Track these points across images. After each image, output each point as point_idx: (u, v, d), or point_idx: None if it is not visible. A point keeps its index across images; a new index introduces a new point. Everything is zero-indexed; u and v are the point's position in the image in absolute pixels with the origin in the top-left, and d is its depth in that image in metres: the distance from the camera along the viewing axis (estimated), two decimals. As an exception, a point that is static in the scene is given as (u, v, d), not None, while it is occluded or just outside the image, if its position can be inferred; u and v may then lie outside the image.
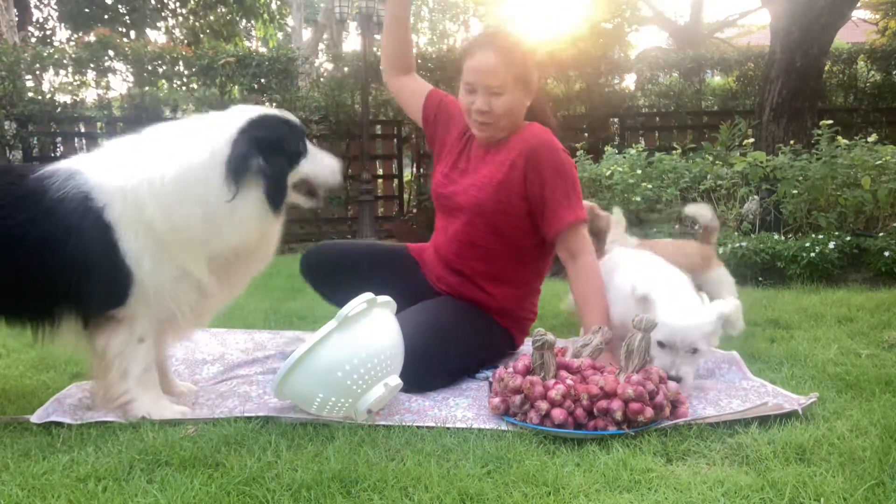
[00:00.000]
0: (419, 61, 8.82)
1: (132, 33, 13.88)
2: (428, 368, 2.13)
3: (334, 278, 2.44)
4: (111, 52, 7.82)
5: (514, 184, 2.21)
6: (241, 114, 1.92)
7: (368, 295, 1.93)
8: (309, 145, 2.00)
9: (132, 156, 1.90)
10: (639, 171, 5.57)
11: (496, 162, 2.25)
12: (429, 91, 2.50)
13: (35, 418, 1.91)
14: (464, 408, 1.99)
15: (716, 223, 2.92)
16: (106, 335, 1.90)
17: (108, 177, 1.85)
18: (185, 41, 14.12)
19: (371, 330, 1.90)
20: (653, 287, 2.07)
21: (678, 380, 1.96)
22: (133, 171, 1.85)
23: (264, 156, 1.85)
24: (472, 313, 2.32)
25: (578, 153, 6.34)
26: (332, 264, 2.48)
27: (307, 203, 2.05)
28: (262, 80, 8.03)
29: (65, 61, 7.71)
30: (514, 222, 2.25)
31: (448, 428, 1.82)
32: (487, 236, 2.27)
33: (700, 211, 2.92)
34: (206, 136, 1.87)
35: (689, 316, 2.01)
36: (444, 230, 2.38)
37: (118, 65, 7.95)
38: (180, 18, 15.43)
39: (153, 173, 1.83)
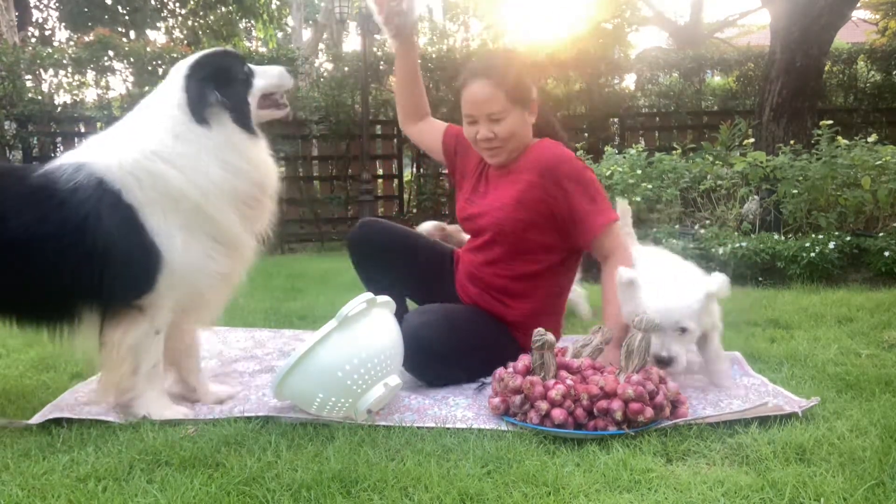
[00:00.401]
0: (419, 61, 8.84)
1: (132, 33, 13.88)
2: (437, 361, 2.15)
3: (381, 257, 2.45)
4: (111, 53, 7.82)
5: (532, 202, 2.21)
6: (181, 63, 2.01)
7: (368, 295, 1.93)
8: (254, 66, 2.09)
9: (126, 137, 1.93)
10: (639, 171, 5.57)
11: (512, 181, 2.28)
12: (445, 128, 2.56)
13: (35, 421, 1.90)
14: (464, 407, 1.99)
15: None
16: (124, 327, 1.88)
17: (116, 160, 1.86)
18: (185, 41, 14.12)
19: (371, 330, 1.90)
20: (638, 272, 2.08)
21: (669, 361, 1.97)
22: (136, 149, 1.87)
23: (218, 88, 1.94)
24: (490, 323, 2.32)
25: (578, 153, 6.34)
26: (383, 243, 2.46)
27: (279, 113, 2.14)
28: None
29: (64, 61, 7.71)
30: (535, 238, 2.26)
31: (448, 428, 1.82)
32: (509, 254, 2.28)
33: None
34: (165, 94, 1.96)
35: (672, 296, 2.00)
36: (470, 245, 2.44)
37: (118, 65, 7.95)
38: (180, 19, 15.43)
39: (154, 144, 1.87)
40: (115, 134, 1.96)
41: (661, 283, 2.05)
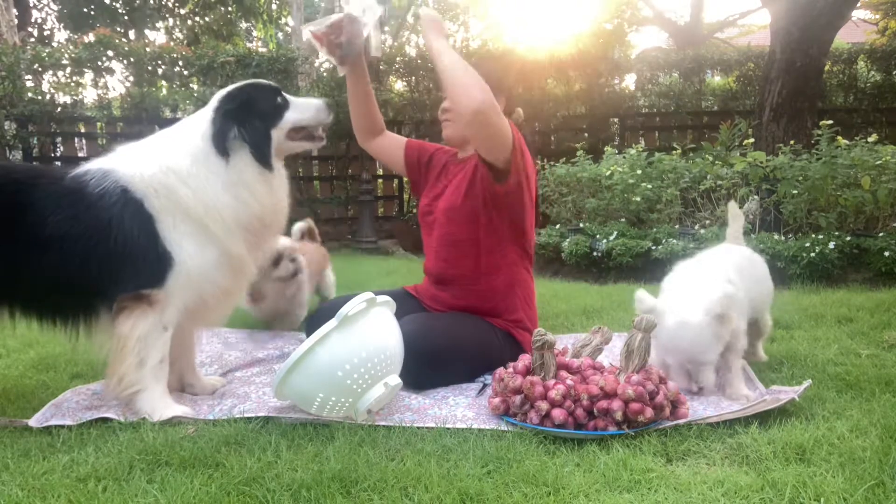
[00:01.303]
0: (419, 61, 8.83)
1: (131, 33, 13.88)
2: (432, 367, 2.16)
3: None
4: (110, 53, 7.81)
5: (479, 179, 2.33)
6: (218, 94, 2.13)
7: (368, 294, 1.93)
8: (290, 97, 2.17)
9: (151, 152, 2.05)
10: (639, 171, 5.56)
11: (464, 171, 2.42)
12: (405, 142, 2.70)
13: (34, 422, 1.91)
14: (464, 407, 1.99)
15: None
16: (133, 319, 1.95)
17: (138, 171, 1.98)
18: (185, 41, 14.12)
19: (371, 329, 1.90)
20: (662, 301, 2.06)
21: (699, 391, 2.03)
22: (156, 164, 1.99)
23: (239, 123, 2.03)
24: (471, 318, 2.37)
25: (578, 153, 6.34)
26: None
27: (312, 145, 2.23)
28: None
29: (64, 61, 7.70)
30: (488, 212, 2.34)
31: (448, 428, 1.82)
32: (467, 228, 2.36)
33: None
34: (197, 122, 2.08)
35: (685, 339, 1.95)
36: (430, 247, 2.52)
37: (117, 65, 7.95)
38: (179, 18, 15.42)
39: (173, 163, 1.99)
40: (141, 147, 2.08)
41: (673, 325, 1.96)
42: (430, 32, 2.22)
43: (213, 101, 2.10)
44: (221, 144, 2.01)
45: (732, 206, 2.64)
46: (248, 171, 2.04)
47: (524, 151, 2.32)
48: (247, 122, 2.04)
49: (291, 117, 2.14)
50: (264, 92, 2.13)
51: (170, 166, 1.99)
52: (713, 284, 2.04)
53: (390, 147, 2.71)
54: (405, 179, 9.21)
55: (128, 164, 2.01)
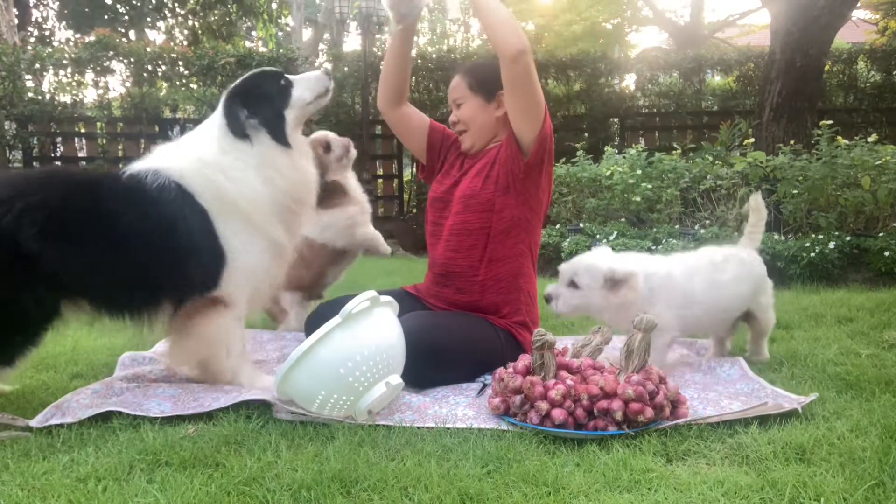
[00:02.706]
0: (419, 61, 8.83)
1: (131, 33, 13.87)
2: (433, 365, 2.15)
3: None
4: (111, 52, 7.81)
5: (502, 162, 2.35)
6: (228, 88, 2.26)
7: (371, 293, 1.93)
8: (290, 76, 2.28)
9: (181, 150, 2.17)
10: (639, 171, 5.57)
11: (485, 159, 2.44)
12: (430, 121, 2.67)
13: (35, 422, 1.90)
14: (464, 406, 1.99)
15: None
16: (211, 318, 2.11)
17: (178, 167, 2.08)
18: (185, 41, 14.11)
19: (374, 328, 1.90)
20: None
21: (548, 298, 2.26)
22: (190, 159, 2.11)
23: (248, 107, 2.15)
24: (473, 317, 2.37)
25: (578, 153, 6.34)
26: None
27: (324, 101, 2.31)
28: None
29: (64, 61, 7.71)
30: (504, 198, 2.35)
31: (448, 428, 1.82)
32: (481, 216, 2.36)
33: None
34: (215, 115, 2.22)
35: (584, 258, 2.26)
36: (439, 236, 2.49)
37: (118, 65, 7.95)
38: (179, 18, 15.42)
39: (204, 155, 2.12)
40: (176, 145, 2.23)
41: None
42: None
43: (225, 93, 2.23)
44: (237, 128, 2.13)
45: (755, 198, 2.56)
46: (272, 153, 2.15)
47: (552, 132, 2.33)
48: (256, 105, 2.16)
49: (298, 94, 2.24)
50: (266, 77, 2.25)
51: (204, 158, 2.10)
52: (625, 259, 2.28)
53: (413, 120, 2.64)
54: (406, 179, 9.23)
55: (170, 161, 2.11)
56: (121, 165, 8.68)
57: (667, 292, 2.26)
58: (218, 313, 2.12)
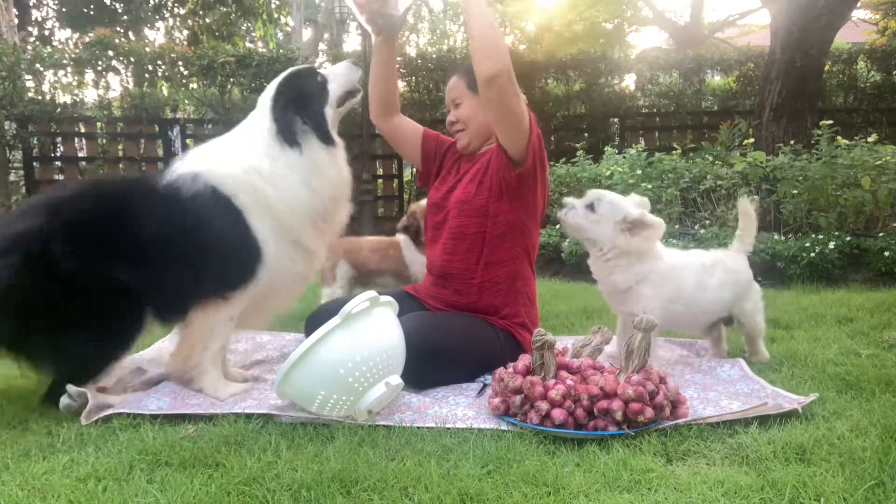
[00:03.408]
0: (419, 61, 8.83)
1: (130, 34, 13.86)
2: (432, 364, 2.15)
3: None
4: (111, 53, 7.81)
5: (494, 170, 2.35)
6: (267, 90, 2.25)
7: (371, 293, 1.93)
8: (322, 70, 2.29)
9: (227, 156, 2.17)
10: (639, 171, 5.57)
11: (479, 164, 2.45)
12: (423, 130, 2.68)
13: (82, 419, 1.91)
14: (464, 406, 1.99)
15: None
16: (207, 311, 2.11)
17: (222, 172, 2.11)
18: (185, 41, 14.11)
19: (374, 328, 1.90)
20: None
21: (563, 205, 2.34)
22: (238, 166, 2.12)
23: (300, 112, 2.17)
24: (472, 318, 2.37)
25: (578, 153, 6.34)
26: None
27: (355, 101, 2.34)
28: (263, 80, 8.03)
29: (64, 61, 7.71)
30: (498, 204, 2.35)
31: (448, 428, 1.82)
32: (476, 221, 2.37)
33: None
34: (259, 121, 2.20)
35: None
36: (437, 240, 2.51)
37: (118, 65, 7.95)
38: (179, 18, 15.42)
39: (254, 163, 2.12)
40: (216, 149, 2.22)
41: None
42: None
43: (266, 100, 2.21)
44: (291, 137, 2.14)
45: (742, 202, 2.57)
46: (320, 157, 2.17)
47: (541, 140, 2.32)
48: (304, 108, 2.17)
49: (335, 89, 2.25)
50: (308, 76, 2.25)
51: (253, 167, 2.11)
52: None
53: (406, 130, 2.66)
54: (405, 179, 9.22)
55: (212, 165, 2.13)
56: (121, 166, 8.63)
57: (662, 281, 2.30)
58: (215, 309, 2.13)
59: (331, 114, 2.23)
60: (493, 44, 2.13)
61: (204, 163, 2.14)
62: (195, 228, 2.05)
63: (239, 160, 2.13)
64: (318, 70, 2.27)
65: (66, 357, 2.01)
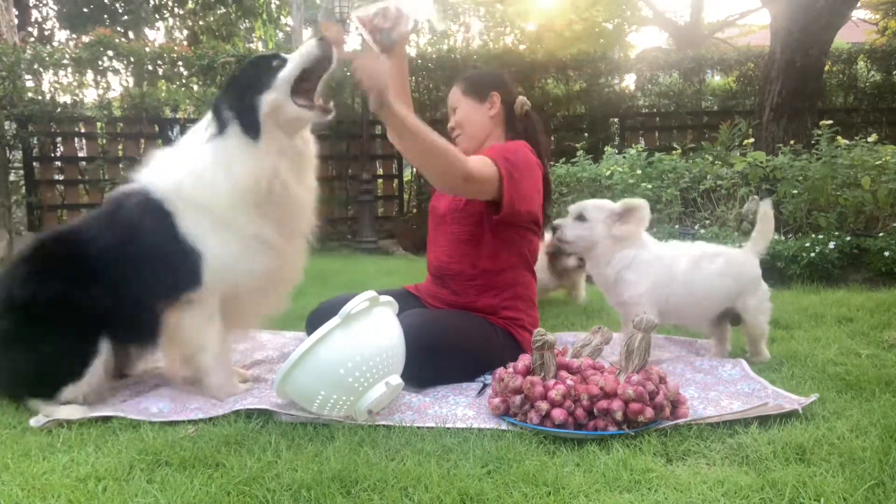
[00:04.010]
0: (419, 61, 8.83)
1: (130, 34, 13.85)
2: (432, 362, 2.15)
3: None
4: (111, 53, 7.81)
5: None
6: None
7: (371, 293, 1.93)
8: (288, 55, 2.08)
9: (168, 156, 2.14)
10: (639, 171, 5.57)
11: None
12: None
13: (33, 422, 1.90)
14: (464, 406, 1.99)
15: None
16: (176, 315, 2.04)
17: (157, 176, 2.07)
18: (185, 41, 14.11)
19: (374, 328, 1.90)
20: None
21: (554, 229, 2.46)
22: (170, 165, 2.08)
23: (229, 99, 2.04)
24: (472, 316, 2.37)
25: (578, 153, 6.34)
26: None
27: (312, 114, 2.09)
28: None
29: (64, 61, 7.70)
30: (489, 211, 2.36)
31: (448, 428, 1.82)
32: (471, 228, 2.39)
33: None
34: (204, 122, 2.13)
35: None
36: (436, 241, 2.54)
37: (118, 65, 7.95)
38: (179, 18, 15.42)
39: (185, 159, 2.07)
40: (165, 154, 2.17)
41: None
42: (389, 118, 2.02)
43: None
44: (219, 127, 2.03)
45: (765, 206, 2.56)
46: (232, 143, 2.01)
47: (519, 172, 2.28)
48: (235, 94, 2.04)
49: (287, 71, 2.02)
50: (259, 62, 2.08)
51: (182, 163, 2.06)
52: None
53: None
54: (406, 179, 9.23)
55: (152, 172, 2.10)
56: (121, 166, 8.62)
57: (647, 266, 2.40)
58: (182, 311, 2.04)
59: (272, 103, 2.00)
60: (432, 169, 2.12)
61: (145, 172, 2.11)
62: (133, 241, 2.00)
63: (173, 159, 2.09)
64: (281, 55, 2.09)
65: (15, 380, 2.03)
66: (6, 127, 7.38)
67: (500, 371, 1.97)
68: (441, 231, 2.50)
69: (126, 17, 13.66)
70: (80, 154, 8.08)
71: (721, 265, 2.42)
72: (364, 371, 1.82)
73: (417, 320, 2.17)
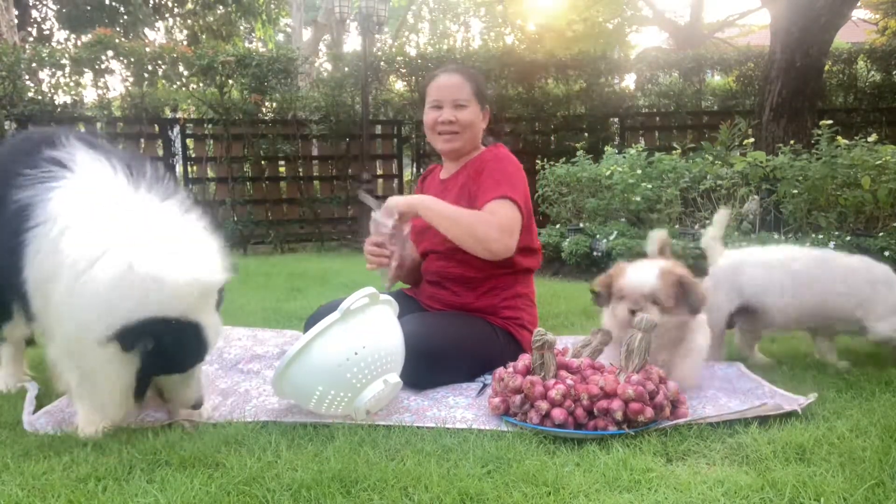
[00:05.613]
0: (419, 61, 8.84)
1: (130, 34, 13.85)
2: (432, 367, 2.15)
3: None
4: (110, 53, 7.81)
5: (468, 193, 2.39)
6: None
7: (370, 289, 1.93)
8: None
9: None
10: (639, 171, 5.56)
11: (459, 182, 2.46)
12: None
13: (27, 425, 1.90)
14: (463, 407, 1.99)
15: None
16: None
17: None
18: (185, 41, 14.11)
19: (372, 325, 1.90)
20: None
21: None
22: None
23: None
24: (471, 318, 2.37)
25: (578, 153, 6.35)
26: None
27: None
28: (263, 80, 8.03)
29: (64, 61, 7.70)
30: None
31: (448, 428, 1.82)
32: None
33: None
34: None
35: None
36: (426, 253, 2.52)
37: (117, 65, 7.95)
38: (178, 18, 15.42)
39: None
40: None
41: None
42: (427, 211, 2.25)
43: None
44: None
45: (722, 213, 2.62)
46: None
47: (517, 189, 2.32)
48: None
49: None
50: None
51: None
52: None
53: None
54: (406, 179, 9.25)
55: None
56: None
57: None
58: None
59: None
60: (469, 237, 2.22)
61: None
62: None
63: None
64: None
65: None
66: (6, 127, 7.38)
67: (499, 371, 1.97)
68: (439, 240, 2.42)
69: (126, 17, 13.66)
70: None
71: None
72: (362, 367, 1.82)
73: (418, 328, 2.16)
